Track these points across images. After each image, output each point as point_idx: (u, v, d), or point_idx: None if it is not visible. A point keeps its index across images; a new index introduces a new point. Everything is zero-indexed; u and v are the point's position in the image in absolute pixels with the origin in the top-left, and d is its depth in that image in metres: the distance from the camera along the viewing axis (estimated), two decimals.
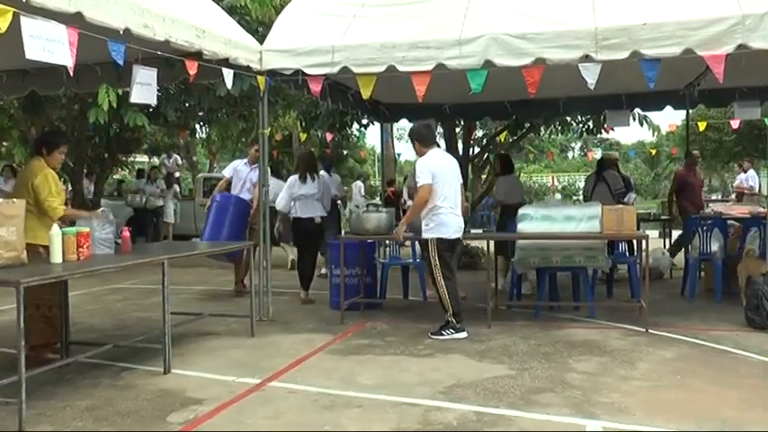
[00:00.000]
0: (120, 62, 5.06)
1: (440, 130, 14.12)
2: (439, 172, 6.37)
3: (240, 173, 9.06)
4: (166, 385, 4.98)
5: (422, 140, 6.57)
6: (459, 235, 6.52)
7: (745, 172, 14.60)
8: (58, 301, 5.72)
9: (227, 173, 9.43)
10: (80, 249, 5.03)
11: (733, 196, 16.20)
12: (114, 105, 6.71)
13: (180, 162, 19.95)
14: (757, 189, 15.09)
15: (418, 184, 6.37)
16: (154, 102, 6.13)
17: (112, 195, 17.81)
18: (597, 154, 34.90)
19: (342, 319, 7.05)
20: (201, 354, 5.89)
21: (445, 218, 6.36)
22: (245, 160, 9.26)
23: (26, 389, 4.02)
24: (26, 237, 4.79)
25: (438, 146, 6.84)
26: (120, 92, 7.14)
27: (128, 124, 9.85)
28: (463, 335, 6.31)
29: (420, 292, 8.38)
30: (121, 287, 9.82)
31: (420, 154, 6.54)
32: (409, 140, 6.94)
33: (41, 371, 4.76)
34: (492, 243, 7.66)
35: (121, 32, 4.86)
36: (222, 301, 8.70)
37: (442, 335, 6.32)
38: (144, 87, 5.64)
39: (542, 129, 14.43)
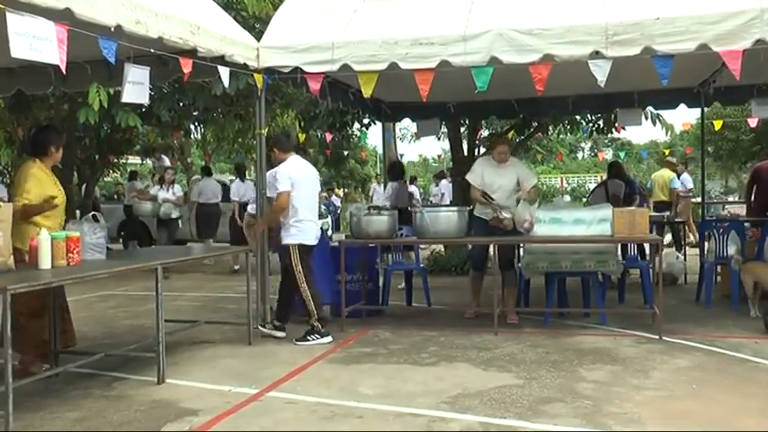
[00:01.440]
0: (112, 60, 5.07)
1: (444, 129, 14.14)
2: (299, 180, 6.64)
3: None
4: (160, 396, 4.98)
5: (281, 147, 6.81)
6: (317, 242, 6.84)
7: (680, 176, 15.35)
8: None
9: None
10: (70, 254, 5.03)
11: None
12: (105, 105, 6.72)
13: (168, 163, 19.80)
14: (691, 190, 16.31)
15: (278, 191, 6.56)
16: (146, 101, 6.14)
17: (112, 198, 17.80)
18: (608, 154, 34.98)
19: (342, 326, 7.05)
20: (196, 363, 5.89)
21: (305, 225, 6.67)
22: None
23: (13, 400, 4.01)
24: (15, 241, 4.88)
25: (297, 153, 7.09)
26: (111, 91, 7.15)
27: (119, 124, 9.87)
28: (328, 339, 6.55)
29: (424, 298, 8.38)
30: (113, 294, 9.82)
31: (278, 161, 6.75)
32: (413, 140, 7.06)
33: (29, 381, 4.75)
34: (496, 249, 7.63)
35: (113, 29, 4.86)
36: (218, 308, 8.70)
37: (308, 340, 6.52)
38: (136, 86, 5.65)
39: (551, 128, 14.43)
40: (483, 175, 7.48)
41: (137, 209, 13.29)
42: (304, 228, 6.65)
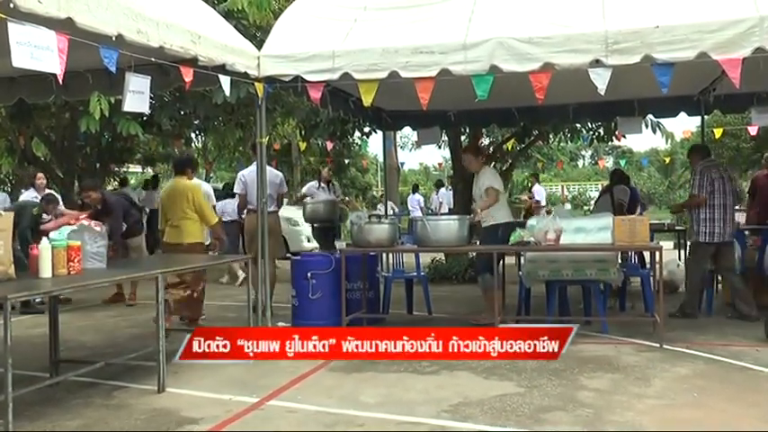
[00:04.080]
0: (113, 69, 5.08)
1: (445, 137, 14.15)
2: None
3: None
4: (161, 404, 4.97)
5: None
6: None
7: (531, 188, 16.30)
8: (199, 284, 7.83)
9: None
10: (71, 263, 5.04)
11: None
12: (106, 114, 6.73)
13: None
14: (543, 202, 17.48)
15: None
16: (147, 110, 6.15)
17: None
18: (609, 162, 34.97)
19: None
20: (197, 371, 5.87)
21: None
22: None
23: (13, 409, 4.01)
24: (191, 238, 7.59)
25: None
26: (112, 100, 7.16)
27: (120, 133, 9.89)
28: None
29: (425, 306, 8.37)
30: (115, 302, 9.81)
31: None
32: (414, 148, 7.22)
33: (29, 390, 4.75)
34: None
35: (114, 38, 4.87)
36: (219, 317, 8.69)
37: None
38: (137, 95, 5.65)
39: (551, 136, 14.44)
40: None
41: None
42: None
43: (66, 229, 5.48)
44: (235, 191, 9.17)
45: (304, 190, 11.93)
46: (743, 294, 7.77)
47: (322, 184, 11.41)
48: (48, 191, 10.10)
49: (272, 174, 8.81)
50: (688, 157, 9.20)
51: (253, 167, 8.33)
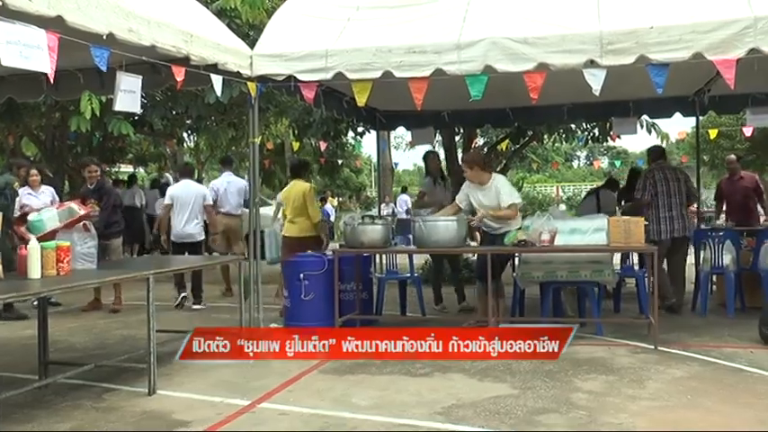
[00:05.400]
0: (104, 68, 5.07)
1: (439, 138, 14.15)
2: None
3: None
4: (151, 407, 4.96)
5: None
6: None
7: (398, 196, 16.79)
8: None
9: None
10: (60, 264, 5.03)
11: None
12: (97, 113, 6.71)
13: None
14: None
15: None
16: (138, 110, 6.13)
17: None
18: (604, 163, 35.03)
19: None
20: (188, 374, 5.86)
21: None
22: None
23: (2, 411, 3.99)
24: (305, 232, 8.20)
25: None
26: (103, 99, 7.15)
27: (111, 133, 9.86)
28: None
29: (419, 307, 8.37)
30: (105, 303, 9.76)
31: None
32: (408, 149, 7.13)
33: (17, 392, 4.73)
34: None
35: (105, 37, 4.86)
36: (211, 318, 8.68)
37: None
38: (128, 95, 5.64)
39: (546, 137, 14.45)
40: None
41: None
42: None
43: (47, 211, 5.45)
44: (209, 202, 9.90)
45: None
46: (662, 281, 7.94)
47: None
48: (44, 187, 9.45)
49: (241, 183, 10.50)
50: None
51: (223, 177, 10.45)
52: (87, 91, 6.70)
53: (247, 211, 10.08)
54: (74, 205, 5.88)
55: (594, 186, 10.39)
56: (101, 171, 9.60)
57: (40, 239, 5.05)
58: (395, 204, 24.00)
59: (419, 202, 9.82)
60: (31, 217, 5.46)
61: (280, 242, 8.66)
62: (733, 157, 10.41)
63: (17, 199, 8.35)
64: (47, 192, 9.17)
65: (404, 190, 24.32)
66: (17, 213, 7.62)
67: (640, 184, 8.41)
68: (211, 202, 9.84)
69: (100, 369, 5.70)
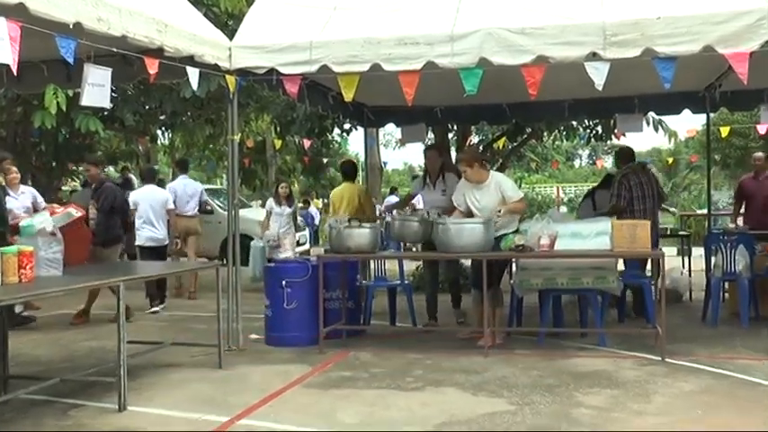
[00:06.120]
0: (71, 60, 5.05)
1: (431, 135, 14.18)
2: None
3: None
4: (122, 424, 4.94)
5: None
6: None
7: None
8: None
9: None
10: (22, 270, 5.00)
11: None
12: (63, 108, 6.69)
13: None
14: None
15: None
16: (107, 105, 6.11)
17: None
18: (607, 162, 35.10)
19: (321, 348, 7.03)
20: (162, 388, 5.85)
21: None
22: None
23: None
24: None
25: None
26: (70, 93, 7.12)
27: (79, 129, 9.83)
28: None
29: (409, 317, 8.37)
30: (72, 312, 9.72)
31: None
32: (398, 147, 7.10)
33: None
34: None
35: (71, 26, 4.85)
36: (186, 328, 8.65)
37: None
38: (96, 88, 5.62)
39: (545, 134, 14.51)
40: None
41: None
42: None
43: (40, 216, 5.43)
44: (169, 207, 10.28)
45: (266, 207, 11.93)
46: None
47: (283, 203, 11.49)
48: (23, 187, 8.99)
49: (196, 185, 11.74)
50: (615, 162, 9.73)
51: (179, 180, 11.53)
52: (52, 84, 6.68)
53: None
54: (72, 209, 5.87)
55: (591, 187, 10.40)
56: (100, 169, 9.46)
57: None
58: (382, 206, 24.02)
59: (402, 204, 9.54)
60: (22, 223, 5.43)
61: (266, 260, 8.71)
62: (761, 154, 10.17)
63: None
64: (27, 192, 8.80)
65: (393, 191, 24.32)
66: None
67: (615, 190, 8.52)
68: (173, 206, 10.32)
69: (65, 383, 5.68)
